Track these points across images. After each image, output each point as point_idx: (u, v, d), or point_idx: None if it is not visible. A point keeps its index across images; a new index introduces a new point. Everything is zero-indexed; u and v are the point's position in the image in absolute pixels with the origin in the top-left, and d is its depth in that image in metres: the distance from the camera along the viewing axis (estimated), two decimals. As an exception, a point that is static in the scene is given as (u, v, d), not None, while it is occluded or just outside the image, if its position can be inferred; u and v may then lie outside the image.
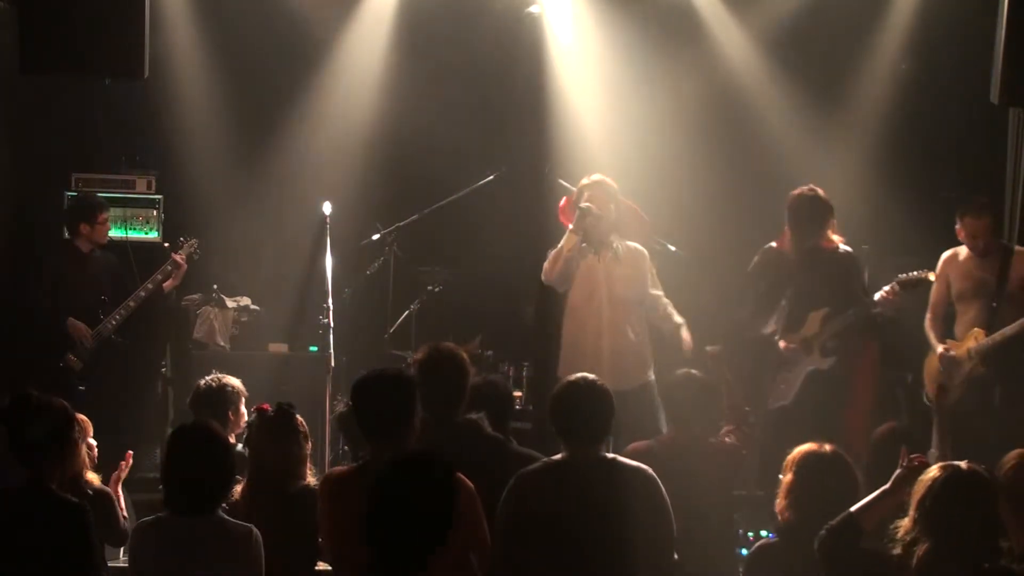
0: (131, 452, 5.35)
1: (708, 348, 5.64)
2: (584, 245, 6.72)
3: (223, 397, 5.40)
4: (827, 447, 4.27)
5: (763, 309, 6.79)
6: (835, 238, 6.74)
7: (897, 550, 3.78)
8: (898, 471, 3.97)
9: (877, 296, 6.51)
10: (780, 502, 4.25)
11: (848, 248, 6.76)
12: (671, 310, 6.86)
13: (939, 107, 8.15)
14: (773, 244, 6.88)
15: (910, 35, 8.11)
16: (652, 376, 6.70)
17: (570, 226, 6.70)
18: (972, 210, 6.76)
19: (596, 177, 6.82)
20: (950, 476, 3.73)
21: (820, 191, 6.70)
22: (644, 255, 6.89)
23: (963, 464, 3.79)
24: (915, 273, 6.50)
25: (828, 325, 6.61)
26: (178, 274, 7.42)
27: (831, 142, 8.28)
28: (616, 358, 6.64)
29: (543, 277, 6.78)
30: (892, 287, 6.48)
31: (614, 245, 6.78)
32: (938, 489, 3.71)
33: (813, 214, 6.67)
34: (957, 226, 6.80)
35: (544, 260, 6.81)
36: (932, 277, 6.56)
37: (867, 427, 6.88)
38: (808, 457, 4.24)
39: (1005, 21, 6.71)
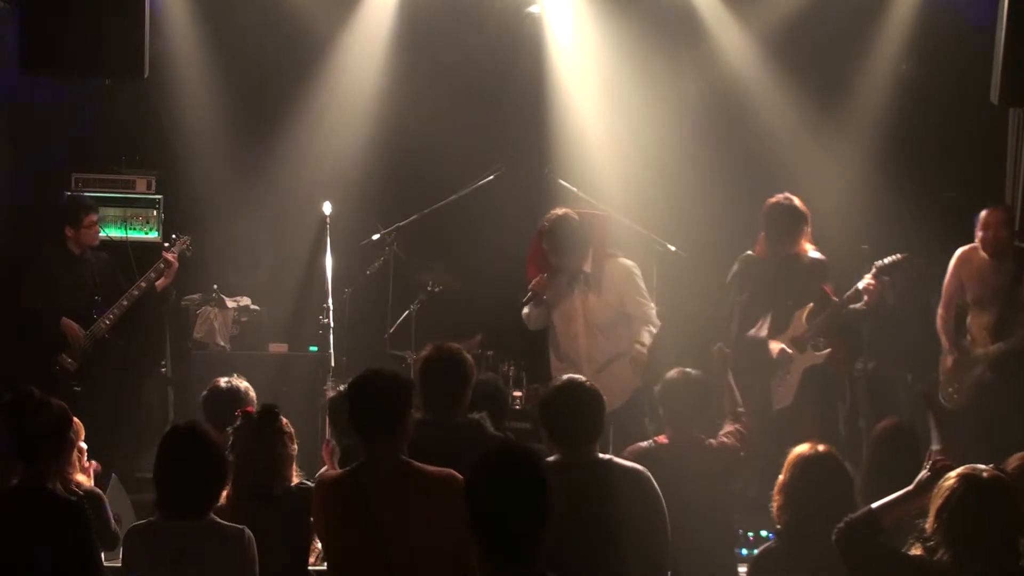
0: (98, 464, 5.32)
1: (717, 346, 5.61)
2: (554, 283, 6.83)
3: (242, 399, 5.37)
4: (820, 447, 4.28)
5: (748, 318, 6.80)
6: (807, 246, 6.76)
7: (917, 551, 3.77)
8: (922, 473, 3.95)
9: (860, 285, 6.52)
10: (775, 502, 4.26)
11: (819, 255, 6.78)
12: (644, 332, 6.78)
13: (939, 107, 8.15)
14: (750, 252, 6.90)
15: (910, 35, 8.11)
16: (638, 382, 6.72)
17: (531, 300, 6.83)
18: (989, 205, 6.87)
19: (555, 216, 6.76)
20: (970, 487, 3.68)
21: (796, 199, 6.72)
22: (626, 272, 6.86)
23: (984, 472, 3.74)
24: (890, 258, 6.53)
25: (814, 322, 6.64)
26: (170, 272, 7.38)
27: (831, 142, 8.29)
28: (600, 381, 6.65)
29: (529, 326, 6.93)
30: (872, 275, 6.50)
31: (583, 276, 6.81)
32: (957, 501, 3.67)
33: (790, 222, 6.71)
34: (976, 228, 6.83)
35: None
36: (901, 257, 6.59)
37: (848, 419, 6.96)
38: (801, 458, 4.26)
39: (1005, 21, 6.71)
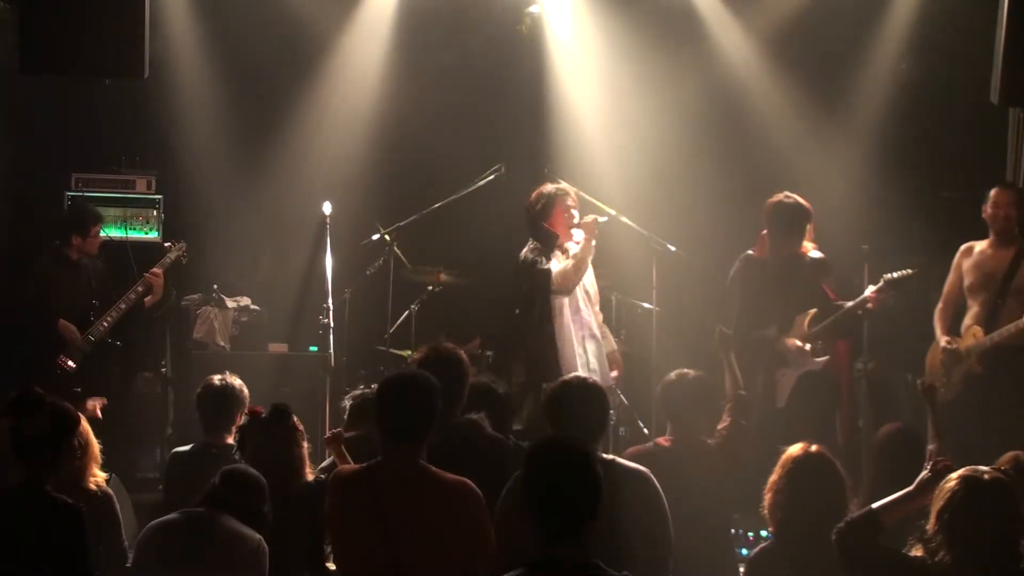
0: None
1: (721, 328, 5.60)
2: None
3: (236, 396, 5.37)
4: (813, 448, 4.28)
5: (750, 318, 6.79)
6: (808, 245, 6.76)
7: (918, 552, 3.77)
8: (923, 474, 3.96)
9: (867, 293, 6.53)
10: (767, 501, 4.27)
11: (819, 254, 6.78)
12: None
13: (939, 107, 8.15)
14: (751, 252, 6.89)
15: (910, 35, 8.12)
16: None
17: (586, 236, 6.81)
18: (1000, 183, 6.90)
19: (564, 185, 6.97)
20: (970, 490, 3.69)
21: (798, 197, 6.71)
22: None
23: (985, 473, 3.74)
24: (899, 273, 6.55)
25: (815, 327, 6.64)
26: (156, 290, 7.37)
27: (831, 141, 8.30)
28: (598, 361, 6.79)
29: (559, 286, 6.82)
30: (880, 286, 6.52)
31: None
32: (958, 503, 3.68)
33: (793, 221, 6.68)
34: (984, 205, 6.82)
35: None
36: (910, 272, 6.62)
37: (850, 422, 6.96)
38: (792, 458, 4.27)
39: (1005, 21, 6.71)
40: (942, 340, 6.84)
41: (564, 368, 6.64)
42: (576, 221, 6.87)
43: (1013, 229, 6.80)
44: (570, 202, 6.90)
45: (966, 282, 6.84)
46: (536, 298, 6.86)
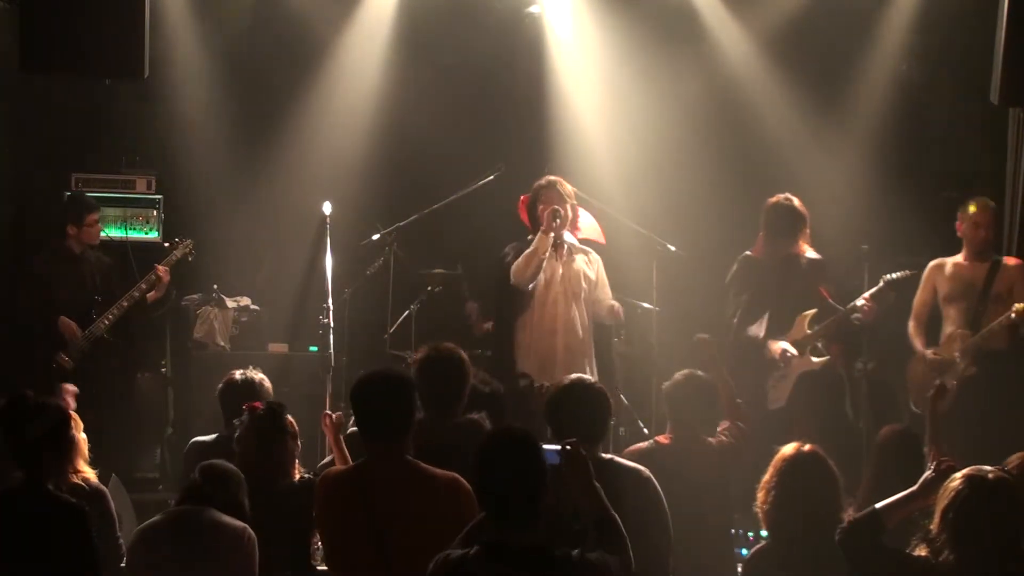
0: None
1: (698, 336, 5.62)
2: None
3: (255, 391, 5.35)
4: (806, 447, 4.28)
5: (748, 318, 6.80)
6: (805, 247, 6.77)
7: (922, 551, 3.77)
8: (927, 474, 3.96)
9: (860, 301, 6.54)
10: (759, 500, 4.27)
11: (816, 255, 6.79)
12: (611, 302, 6.96)
13: (939, 107, 8.15)
14: (748, 252, 6.91)
15: (910, 35, 8.12)
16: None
17: (542, 228, 6.80)
18: (977, 200, 6.87)
19: (552, 178, 6.94)
20: (975, 489, 3.70)
21: (796, 200, 6.73)
22: (596, 257, 7.05)
23: (989, 472, 3.75)
24: (899, 273, 6.60)
25: (815, 328, 6.64)
26: (161, 286, 7.36)
27: (831, 142, 8.30)
28: (568, 356, 6.75)
29: (513, 279, 6.87)
30: (880, 287, 6.53)
31: (568, 244, 6.92)
32: (962, 503, 3.69)
33: (790, 223, 6.72)
34: (959, 220, 6.87)
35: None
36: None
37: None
38: (785, 457, 4.27)
39: (1005, 21, 6.72)
40: (928, 352, 6.86)
41: (531, 361, 6.70)
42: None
43: (990, 249, 6.83)
44: (554, 196, 6.83)
45: (942, 292, 6.89)
46: (501, 291, 6.90)
